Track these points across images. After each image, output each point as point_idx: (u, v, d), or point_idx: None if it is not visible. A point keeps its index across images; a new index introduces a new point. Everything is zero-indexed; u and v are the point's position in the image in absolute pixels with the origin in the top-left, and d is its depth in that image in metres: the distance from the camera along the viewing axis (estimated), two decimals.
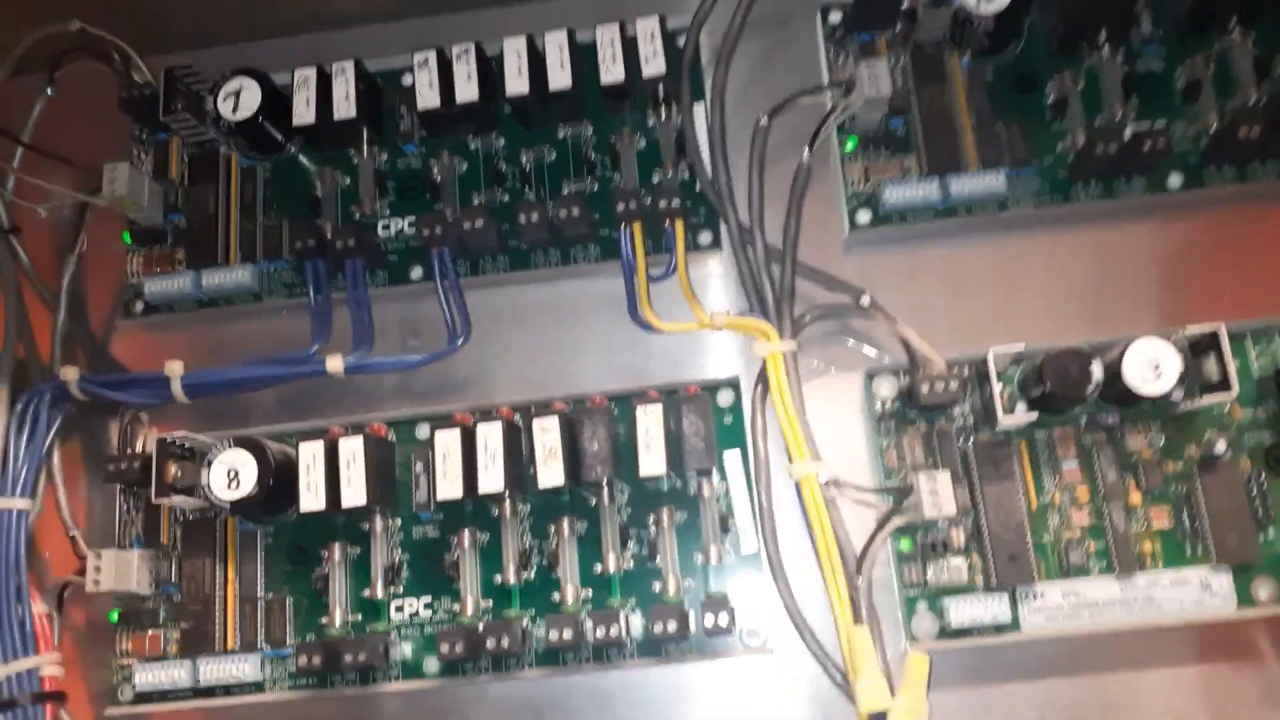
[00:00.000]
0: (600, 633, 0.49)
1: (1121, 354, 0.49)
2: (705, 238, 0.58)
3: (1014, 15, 0.56)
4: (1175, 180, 0.56)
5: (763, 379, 0.53)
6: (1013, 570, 0.50)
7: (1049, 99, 0.58)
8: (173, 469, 0.52)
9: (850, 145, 0.58)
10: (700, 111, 0.58)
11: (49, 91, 0.62)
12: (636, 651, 0.52)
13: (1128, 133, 0.54)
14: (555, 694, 0.53)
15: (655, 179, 0.58)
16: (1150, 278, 0.56)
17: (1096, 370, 0.49)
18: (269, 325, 0.60)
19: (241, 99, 0.58)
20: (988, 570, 0.51)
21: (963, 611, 0.50)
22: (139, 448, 0.56)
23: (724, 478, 0.54)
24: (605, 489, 0.53)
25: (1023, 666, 0.52)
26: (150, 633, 0.54)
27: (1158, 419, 0.52)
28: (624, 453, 0.53)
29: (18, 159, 0.60)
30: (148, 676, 0.53)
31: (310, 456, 0.51)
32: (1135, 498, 0.52)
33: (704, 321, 0.54)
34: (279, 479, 0.51)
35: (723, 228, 0.57)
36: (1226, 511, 0.50)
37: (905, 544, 0.52)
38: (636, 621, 0.52)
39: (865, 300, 0.53)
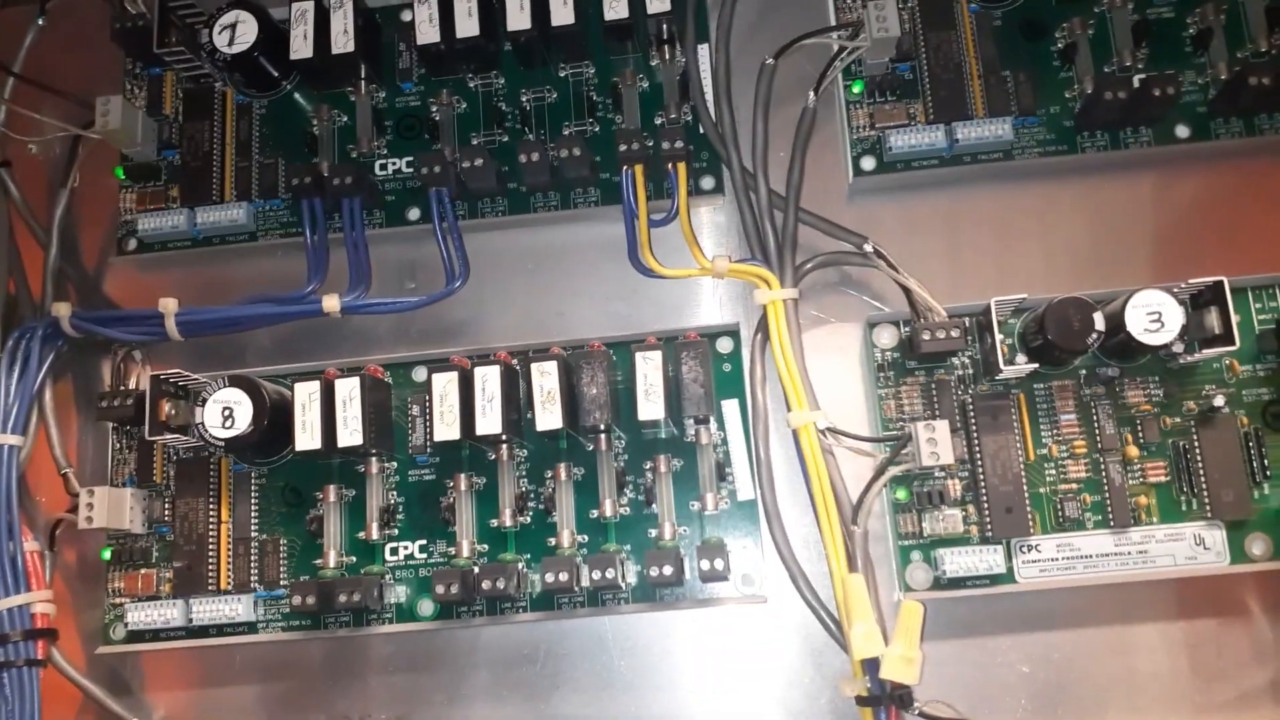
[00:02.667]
0: (596, 576, 0.49)
1: (1124, 305, 0.49)
2: (708, 182, 0.57)
3: None
4: (1183, 131, 0.55)
5: (763, 327, 0.52)
6: (1009, 523, 0.50)
7: (1057, 46, 0.57)
8: (167, 407, 0.52)
9: (856, 89, 0.57)
10: (705, 52, 0.57)
11: (40, 22, 0.61)
12: (632, 597, 0.52)
13: (1136, 80, 0.53)
14: (550, 638, 0.53)
15: (658, 121, 0.57)
16: (1154, 230, 0.56)
17: (1098, 321, 0.49)
18: (264, 265, 0.59)
19: (237, 32, 0.57)
20: (983, 522, 0.51)
21: (958, 563, 0.50)
22: (132, 386, 0.55)
23: (721, 426, 0.53)
24: (603, 435, 0.53)
25: (1016, 618, 0.52)
26: (143, 572, 0.54)
27: (1157, 373, 0.52)
28: (622, 399, 0.53)
29: (9, 90, 0.59)
30: (140, 615, 0.53)
31: (306, 396, 0.51)
32: (1132, 451, 0.52)
33: (705, 267, 0.54)
34: (274, 419, 0.51)
35: (725, 172, 0.56)
36: (1223, 467, 0.50)
37: (901, 494, 0.52)
38: (632, 569, 0.52)
39: (868, 248, 0.53)
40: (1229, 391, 0.52)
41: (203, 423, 0.50)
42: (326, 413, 0.51)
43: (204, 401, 0.51)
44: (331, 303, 0.53)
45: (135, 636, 0.54)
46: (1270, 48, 0.55)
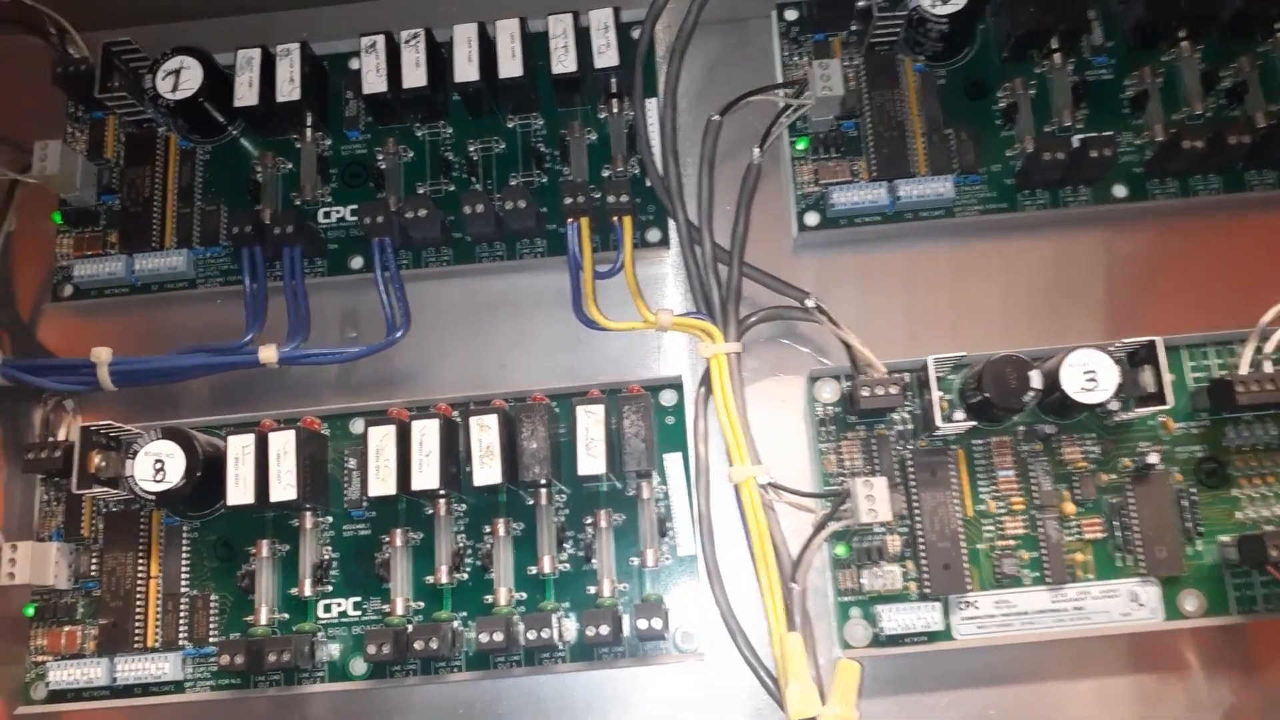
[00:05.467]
0: (532, 635, 0.48)
1: (1060, 363, 0.49)
2: (654, 235, 0.57)
3: (968, 20, 0.56)
4: (1120, 191, 0.56)
5: (706, 380, 0.52)
6: (947, 579, 0.50)
7: (999, 105, 0.58)
8: (96, 459, 0.51)
9: (801, 145, 0.58)
10: (653, 107, 0.58)
11: None
12: (570, 655, 0.51)
13: (1075, 141, 0.54)
14: (485, 698, 0.52)
15: (605, 174, 0.58)
16: (1094, 288, 0.57)
17: (1035, 379, 0.49)
18: (204, 313, 0.58)
19: (182, 78, 0.56)
20: (922, 578, 0.51)
21: (896, 619, 0.50)
22: (62, 436, 0.54)
23: (664, 480, 0.53)
24: (543, 490, 0.52)
25: (955, 675, 0.52)
26: (67, 629, 0.52)
27: (1093, 430, 0.53)
28: (564, 452, 0.52)
29: None
30: (63, 674, 0.51)
31: (239, 449, 0.50)
32: (1069, 508, 0.52)
33: (649, 320, 0.54)
34: (207, 472, 0.50)
35: (671, 226, 0.57)
36: (1157, 524, 0.51)
37: (842, 550, 0.52)
38: (570, 625, 0.51)
39: (810, 303, 0.53)
40: (1163, 449, 0.52)
41: (134, 475, 0.49)
42: (260, 466, 0.50)
43: (135, 454, 0.50)
44: (268, 353, 0.52)
45: (57, 696, 0.52)
46: (1204, 111, 0.57)
